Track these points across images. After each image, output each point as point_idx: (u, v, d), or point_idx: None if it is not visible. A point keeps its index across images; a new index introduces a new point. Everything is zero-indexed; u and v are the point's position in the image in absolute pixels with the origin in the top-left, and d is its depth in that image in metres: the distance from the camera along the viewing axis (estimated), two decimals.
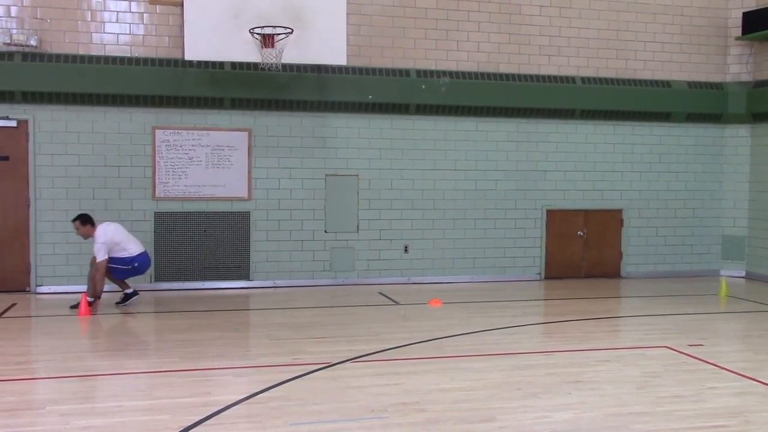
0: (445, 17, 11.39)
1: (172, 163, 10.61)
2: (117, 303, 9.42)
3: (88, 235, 9.25)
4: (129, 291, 9.52)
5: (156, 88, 10.30)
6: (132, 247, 9.36)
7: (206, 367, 6.56)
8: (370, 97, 11.00)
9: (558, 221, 12.05)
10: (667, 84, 12.19)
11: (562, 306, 9.92)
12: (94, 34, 10.34)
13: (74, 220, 9.30)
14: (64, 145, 10.29)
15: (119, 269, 9.31)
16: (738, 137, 12.60)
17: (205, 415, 5.19)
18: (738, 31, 12.29)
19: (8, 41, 9.89)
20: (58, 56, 10.08)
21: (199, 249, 10.75)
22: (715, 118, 12.46)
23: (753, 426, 5.15)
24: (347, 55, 10.16)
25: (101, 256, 9.03)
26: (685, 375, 6.43)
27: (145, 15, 10.48)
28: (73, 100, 10.19)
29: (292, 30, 9.40)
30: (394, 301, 10.03)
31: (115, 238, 9.21)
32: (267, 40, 9.38)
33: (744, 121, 12.43)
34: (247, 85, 10.54)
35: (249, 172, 10.88)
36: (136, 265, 9.39)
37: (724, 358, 7.07)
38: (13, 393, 5.74)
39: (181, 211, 10.69)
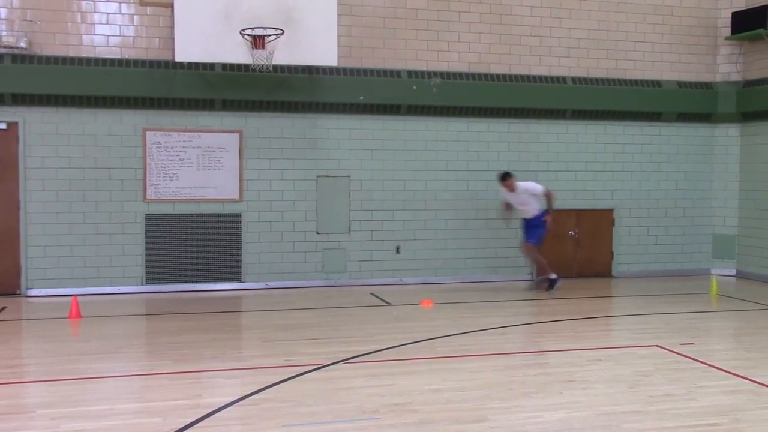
0: (436, 18, 11.41)
1: (163, 165, 10.58)
2: (546, 289, 10.71)
3: (512, 189, 10.59)
4: (554, 277, 10.70)
5: (147, 89, 10.28)
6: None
7: (198, 369, 6.55)
8: (362, 98, 11.00)
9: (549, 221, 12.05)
10: (657, 84, 12.24)
11: (554, 306, 9.94)
12: (84, 36, 10.31)
13: (505, 177, 10.61)
14: (54, 148, 10.26)
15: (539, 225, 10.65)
16: (728, 136, 12.65)
17: (197, 418, 5.18)
18: (727, 31, 12.34)
19: None
20: (48, 58, 10.05)
21: (191, 251, 10.73)
22: (706, 117, 12.52)
23: (744, 424, 5.18)
24: (338, 56, 10.17)
25: (541, 187, 10.62)
26: (677, 374, 6.45)
27: (135, 16, 10.45)
28: (64, 102, 10.16)
29: (283, 31, 9.40)
30: (386, 301, 10.03)
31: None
32: (258, 42, 9.38)
33: (734, 120, 12.49)
34: (238, 86, 10.53)
35: (240, 173, 10.86)
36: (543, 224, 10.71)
37: (715, 356, 7.10)
38: (4, 396, 5.72)
39: (172, 213, 10.66)
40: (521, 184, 10.69)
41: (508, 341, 7.77)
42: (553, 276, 10.80)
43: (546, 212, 10.71)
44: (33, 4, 10.11)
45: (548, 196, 10.67)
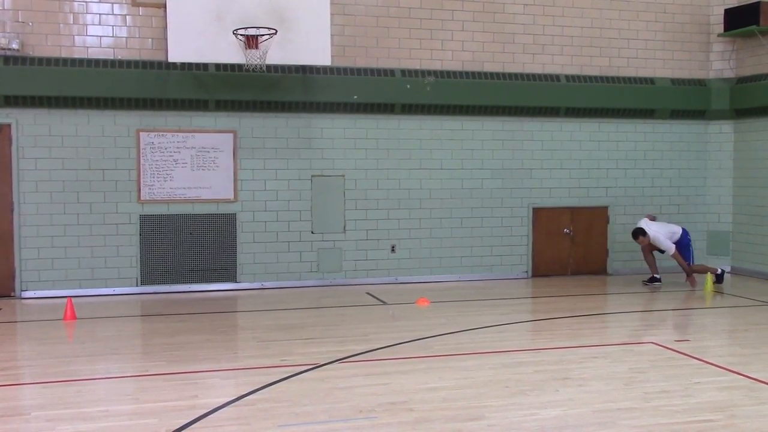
0: (429, 17, 11.40)
1: (157, 166, 10.56)
2: (644, 282, 11.30)
3: (644, 243, 11.11)
4: (657, 276, 11.27)
5: (140, 90, 10.25)
6: (676, 228, 11.27)
7: (193, 370, 6.54)
8: (356, 97, 11.00)
9: (544, 219, 12.09)
10: (650, 81, 12.25)
11: (550, 303, 9.95)
12: (76, 37, 10.27)
13: (636, 236, 11.14)
14: (47, 149, 10.23)
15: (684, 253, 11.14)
16: (721, 133, 12.68)
17: (192, 419, 5.17)
18: (720, 28, 12.37)
19: None
20: (40, 59, 10.02)
21: (186, 251, 10.70)
22: (699, 114, 12.54)
23: (739, 420, 5.19)
24: (332, 56, 10.16)
25: (671, 245, 10.99)
26: (672, 370, 6.47)
27: (128, 17, 10.42)
28: (57, 103, 10.13)
29: (276, 31, 9.39)
30: (381, 301, 10.03)
31: (664, 231, 11.08)
32: (251, 42, 9.36)
33: (727, 117, 12.51)
34: (231, 86, 10.51)
35: (235, 173, 10.84)
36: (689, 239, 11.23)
37: (710, 352, 7.12)
38: None
39: (166, 214, 10.64)
40: (656, 229, 11.15)
41: (504, 339, 7.77)
42: (657, 275, 11.37)
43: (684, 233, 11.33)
44: (25, 5, 10.08)
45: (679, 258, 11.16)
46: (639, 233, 11.07)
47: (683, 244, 11.13)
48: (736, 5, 12.13)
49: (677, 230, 11.19)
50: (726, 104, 12.38)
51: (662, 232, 11.03)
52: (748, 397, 5.71)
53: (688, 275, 11.11)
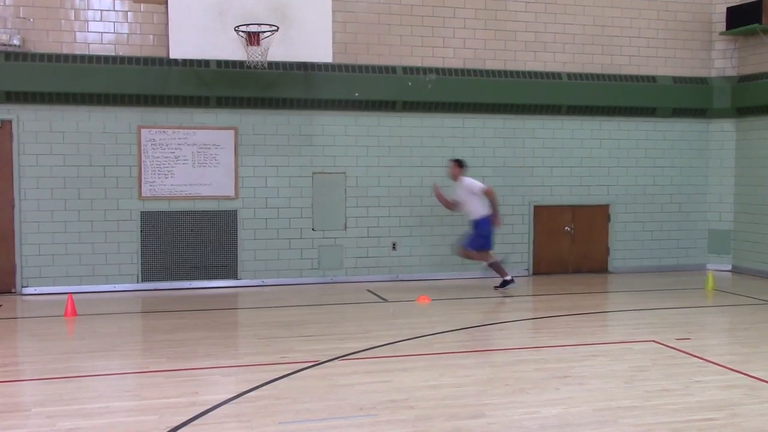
0: (431, 14, 11.38)
1: (158, 163, 10.55)
2: (495, 287, 10.37)
3: (456, 178, 10.30)
4: (508, 278, 10.29)
5: (141, 87, 10.24)
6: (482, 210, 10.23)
7: (194, 367, 6.54)
8: (357, 94, 10.99)
9: (545, 217, 12.08)
10: (652, 79, 12.24)
11: (550, 301, 9.94)
12: (77, 33, 10.27)
13: (454, 161, 10.36)
14: (48, 145, 10.22)
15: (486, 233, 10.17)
16: (723, 132, 12.66)
17: (192, 415, 5.17)
18: (722, 26, 12.35)
19: None
20: (41, 56, 10.01)
21: (187, 248, 10.70)
22: (701, 112, 12.53)
23: (740, 419, 5.18)
24: (333, 53, 10.15)
25: (483, 186, 10.13)
26: (673, 369, 6.46)
27: (129, 13, 10.42)
28: (58, 99, 10.12)
29: (278, 28, 9.38)
30: (382, 298, 10.02)
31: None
32: (252, 38, 9.35)
33: (729, 115, 12.50)
34: (232, 83, 10.50)
35: (236, 170, 10.84)
36: (487, 228, 10.22)
37: (711, 351, 7.11)
38: None
39: (167, 211, 10.63)
40: (465, 179, 10.29)
41: (504, 337, 7.77)
42: (508, 277, 10.38)
43: (491, 216, 10.22)
44: (26, 2, 10.06)
45: (489, 194, 10.18)
46: (456, 162, 10.39)
47: (484, 232, 10.23)
48: (739, 3, 12.11)
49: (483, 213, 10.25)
50: (728, 103, 12.37)
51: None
52: (748, 396, 5.71)
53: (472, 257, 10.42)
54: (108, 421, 5.09)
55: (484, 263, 10.43)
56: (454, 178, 10.40)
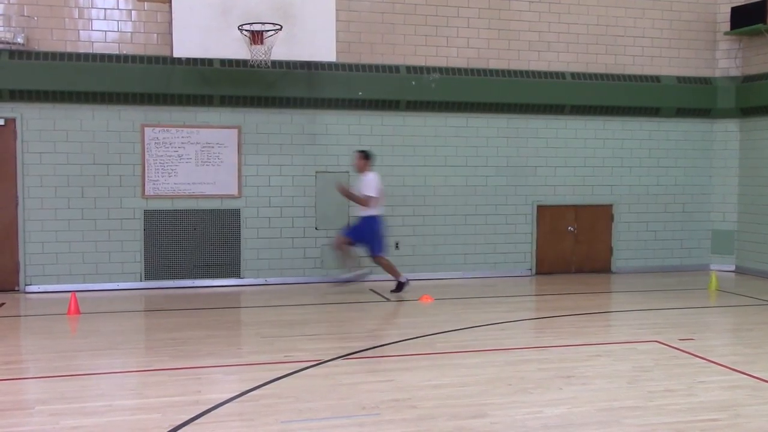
0: (435, 13, 11.38)
1: (162, 161, 10.56)
2: (392, 291, 9.98)
3: (361, 171, 9.84)
4: (402, 279, 9.92)
5: (145, 85, 10.25)
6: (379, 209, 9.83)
7: (197, 366, 6.54)
8: (360, 93, 10.98)
9: (548, 217, 12.07)
10: (656, 79, 12.21)
11: (553, 301, 9.93)
12: (81, 32, 10.28)
13: (360, 151, 9.95)
14: (52, 144, 10.23)
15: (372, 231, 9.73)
16: (727, 132, 12.64)
17: (195, 414, 5.17)
18: (727, 26, 12.32)
19: None
20: (45, 54, 10.02)
21: (190, 247, 10.71)
22: (705, 112, 12.51)
23: (743, 419, 5.17)
24: (337, 52, 10.16)
25: (372, 193, 9.65)
26: (676, 369, 6.45)
27: (133, 12, 10.42)
28: (61, 98, 10.13)
29: (281, 27, 9.38)
30: (385, 298, 10.02)
31: (379, 190, 9.77)
32: (256, 37, 9.36)
33: (733, 115, 12.48)
34: (236, 82, 10.50)
35: (239, 169, 10.84)
36: (376, 228, 9.79)
37: (714, 352, 7.10)
38: (2, 393, 5.70)
39: (171, 209, 10.64)
40: (369, 175, 9.81)
41: (507, 337, 7.77)
42: (403, 279, 9.99)
43: (379, 219, 9.80)
44: (30, 0, 10.07)
45: (366, 200, 9.69)
46: (362, 153, 9.91)
47: (371, 230, 9.78)
48: (743, 3, 12.08)
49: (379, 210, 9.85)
50: (732, 103, 12.34)
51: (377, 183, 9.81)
52: (752, 397, 5.69)
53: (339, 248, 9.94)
54: (111, 420, 5.09)
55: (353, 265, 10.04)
56: (360, 170, 9.93)
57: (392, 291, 10.05)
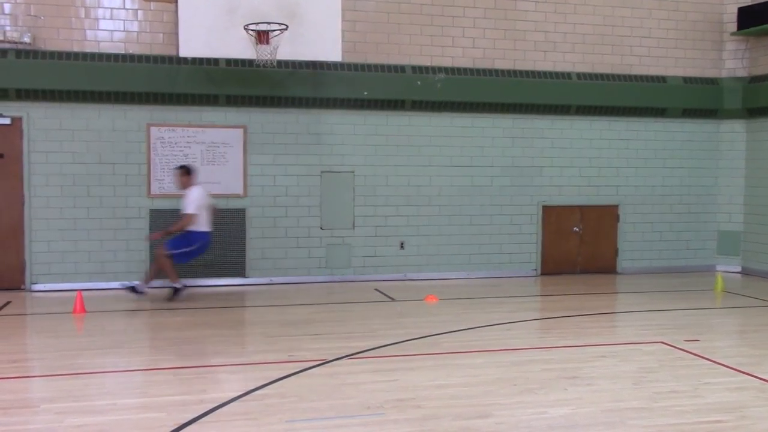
0: (441, 13, 11.37)
1: (167, 160, 10.58)
2: (167, 299, 9.57)
3: (184, 187, 9.61)
4: (178, 285, 9.58)
5: (151, 85, 10.26)
6: (204, 225, 9.57)
7: (202, 365, 6.55)
8: (366, 93, 10.98)
9: (554, 217, 12.06)
10: (662, 79, 12.19)
11: (558, 302, 9.92)
12: (88, 31, 10.30)
13: (180, 168, 9.71)
14: (58, 143, 10.26)
15: (185, 245, 9.47)
16: (733, 132, 12.60)
17: (200, 413, 5.18)
18: (733, 27, 12.29)
19: (2, 38, 9.85)
20: (51, 53, 10.04)
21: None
22: (711, 113, 12.47)
23: (749, 421, 5.15)
24: (342, 52, 10.17)
25: (192, 210, 9.38)
26: (682, 370, 6.43)
27: (139, 12, 10.44)
28: (68, 97, 10.15)
29: (287, 26, 9.38)
30: (390, 297, 10.02)
31: (202, 206, 9.52)
32: (262, 37, 9.36)
33: (739, 116, 12.44)
34: (242, 81, 10.51)
35: (244, 169, 10.85)
36: (198, 246, 9.57)
37: (720, 353, 7.08)
38: (8, 391, 5.72)
39: (176, 209, 10.62)
40: (192, 191, 9.51)
41: (512, 337, 7.76)
42: (178, 285, 9.60)
43: (204, 235, 9.55)
44: (37, 0, 10.11)
45: (185, 221, 9.40)
46: (182, 169, 9.66)
47: (190, 244, 9.51)
48: (750, 3, 12.05)
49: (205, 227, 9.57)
50: (738, 103, 12.31)
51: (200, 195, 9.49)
52: (758, 398, 5.68)
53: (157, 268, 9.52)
54: (116, 418, 5.10)
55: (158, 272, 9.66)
56: (183, 187, 9.61)
57: (169, 298, 9.51)
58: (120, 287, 9.90)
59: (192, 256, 9.69)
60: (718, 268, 12.61)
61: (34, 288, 10.26)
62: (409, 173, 11.44)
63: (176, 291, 9.60)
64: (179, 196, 10.54)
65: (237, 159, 10.81)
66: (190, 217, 9.46)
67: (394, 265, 11.46)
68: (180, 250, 9.53)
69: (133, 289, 9.64)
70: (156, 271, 9.68)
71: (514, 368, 6.45)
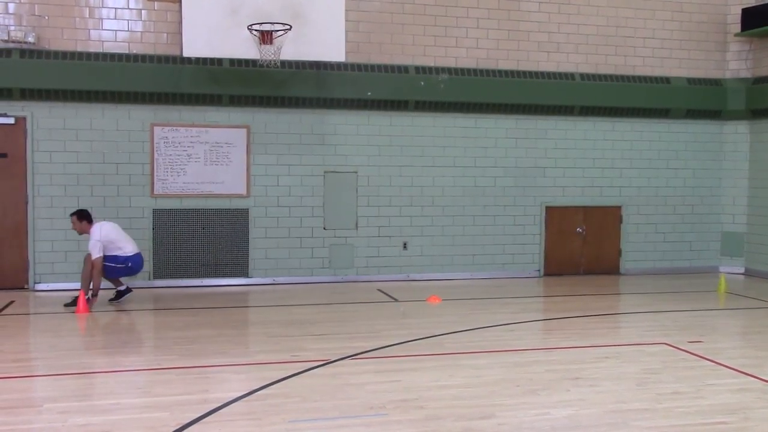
0: (444, 14, 11.37)
1: (171, 160, 10.59)
2: (110, 300, 9.42)
3: (84, 231, 9.23)
4: (122, 288, 9.50)
5: (154, 84, 10.28)
6: (127, 246, 9.31)
7: (205, 365, 6.55)
8: (369, 93, 10.99)
9: (557, 218, 12.05)
10: (666, 80, 12.17)
11: (561, 303, 9.91)
12: (92, 31, 10.32)
13: (72, 215, 9.29)
14: (62, 143, 10.28)
15: (113, 268, 9.22)
16: (737, 133, 12.59)
17: (203, 413, 5.18)
18: (737, 27, 12.27)
19: (6, 38, 9.87)
20: (56, 53, 10.06)
21: (198, 246, 10.73)
22: (715, 114, 12.45)
23: (752, 422, 5.14)
24: (346, 52, 10.16)
25: (96, 254, 8.97)
26: (685, 372, 6.42)
27: (143, 11, 10.45)
28: (72, 97, 10.17)
29: (291, 26, 9.39)
30: (393, 298, 10.02)
31: (111, 236, 9.18)
32: (265, 37, 9.37)
33: (743, 117, 12.42)
34: (245, 81, 10.52)
35: (248, 169, 10.86)
36: (129, 265, 9.30)
37: (723, 354, 7.06)
38: (11, 390, 5.73)
39: (179, 208, 10.67)
40: (92, 231, 9.05)
41: (515, 338, 7.75)
42: (123, 287, 9.47)
43: (124, 265, 9.21)
44: None
45: (94, 265, 8.93)
46: (80, 214, 9.22)
47: (120, 261, 9.20)
48: (754, 4, 12.03)
49: (129, 249, 9.27)
50: (742, 104, 12.29)
51: (102, 235, 9.06)
52: (761, 400, 5.66)
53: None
54: (119, 418, 5.10)
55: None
56: (81, 232, 9.24)
57: (66, 305, 9.10)
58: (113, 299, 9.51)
59: (122, 273, 9.34)
60: (722, 269, 12.59)
61: (38, 287, 10.28)
62: (413, 174, 11.44)
63: (121, 293, 9.46)
64: (182, 197, 10.59)
65: (240, 159, 10.82)
66: (96, 260, 8.94)
67: (397, 266, 11.46)
68: (117, 263, 9.21)
69: (120, 294, 9.47)
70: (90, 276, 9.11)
71: (517, 369, 6.44)
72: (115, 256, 9.22)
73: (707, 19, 12.42)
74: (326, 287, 10.82)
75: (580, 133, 12.07)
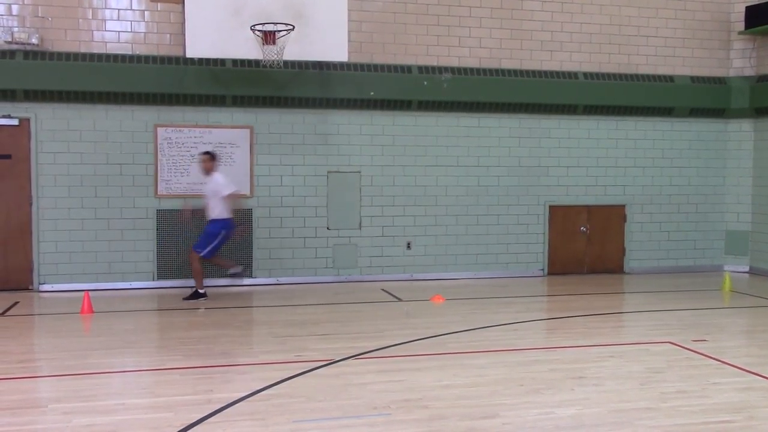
0: (447, 13, 11.36)
1: (174, 161, 10.60)
2: (184, 299, 9.65)
3: (209, 171, 9.63)
4: (201, 291, 9.66)
5: (158, 85, 10.29)
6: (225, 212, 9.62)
7: (209, 365, 6.56)
8: (372, 93, 10.99)
9: (561, 217, 12.03)
10: (669, 79, 12.15)
11: (565, 302, 9.90)
12: (95, 32, 10.33)
13: (206, 153, 9.72)
14: (66, 144, 10.30)
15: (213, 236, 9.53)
16: (741, 132, 12.56)
17: (207, 413, 5.19)
18: (741, 26, 12.24)
19: (10, 39, 9.89)
20: (59, 54, 10.08)
21: None
22: (719, 112, 12.43)
23: (757, 421, 5.14)
24: (349, 52, 10.17)
25: (233, 187, 9.56)
26: (689, 370, 6.41)
27: (146, 12, 10.47)
28: (75, 98, 10.19)
29: (294, 27, 9.39)
30: (396, 297, 10.02)
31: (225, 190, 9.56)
32: (268, 37, 9.37)
33: (747, 115, 12.39)
34: (248, 82, 10.53)
35: (251, 169, 10.87)
36: (223, 236, 9.62)
37: (728, 353, 7.05)
38: (16, 391, 5.75)
39: (180, 209, 10.67)
40: (216, 176, 9.63)
41: (518, 337, 7.75)
42: (202, 291, 9.70)
43: (229, 223, 9.63)
44: (44, 1, 10.13)
45: (232, 198, 9.59)
46: (207, 155, 9.71)
47: (209, 231, 9.61)
48: (758, 2, 12.00)
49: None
50: (746, 103, 12.26)
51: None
52: (766, 399, 5.66)
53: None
54: (123, 418, 5.12)
55: (227, 267, 10.01)
56: (207, 172, 9.68)
57: (185, 298, 9.64)
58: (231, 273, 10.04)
59: (219, 247, 9.73)
60: (726, 267, 12.56)
61: (42, 288, 10.30)
62: (416, 173, 11.44)
63: (197, 295, 9.63)
64: (185, 197, 10.59)
65: (244, 159, 10.83)
66: (234, 194, 9.65)
67: (401, 266, 11.46)
68: (207, 249, 9.58)
69: (235, 274, 10.03)
70: (223, 262, 10.02)
71: (521, 368, 6.44)
72: (214, 221, 9.52)
73: (710, 17, 12.40)
74: (330, 287, 10.82)
75: (583, 132, 12.05)
